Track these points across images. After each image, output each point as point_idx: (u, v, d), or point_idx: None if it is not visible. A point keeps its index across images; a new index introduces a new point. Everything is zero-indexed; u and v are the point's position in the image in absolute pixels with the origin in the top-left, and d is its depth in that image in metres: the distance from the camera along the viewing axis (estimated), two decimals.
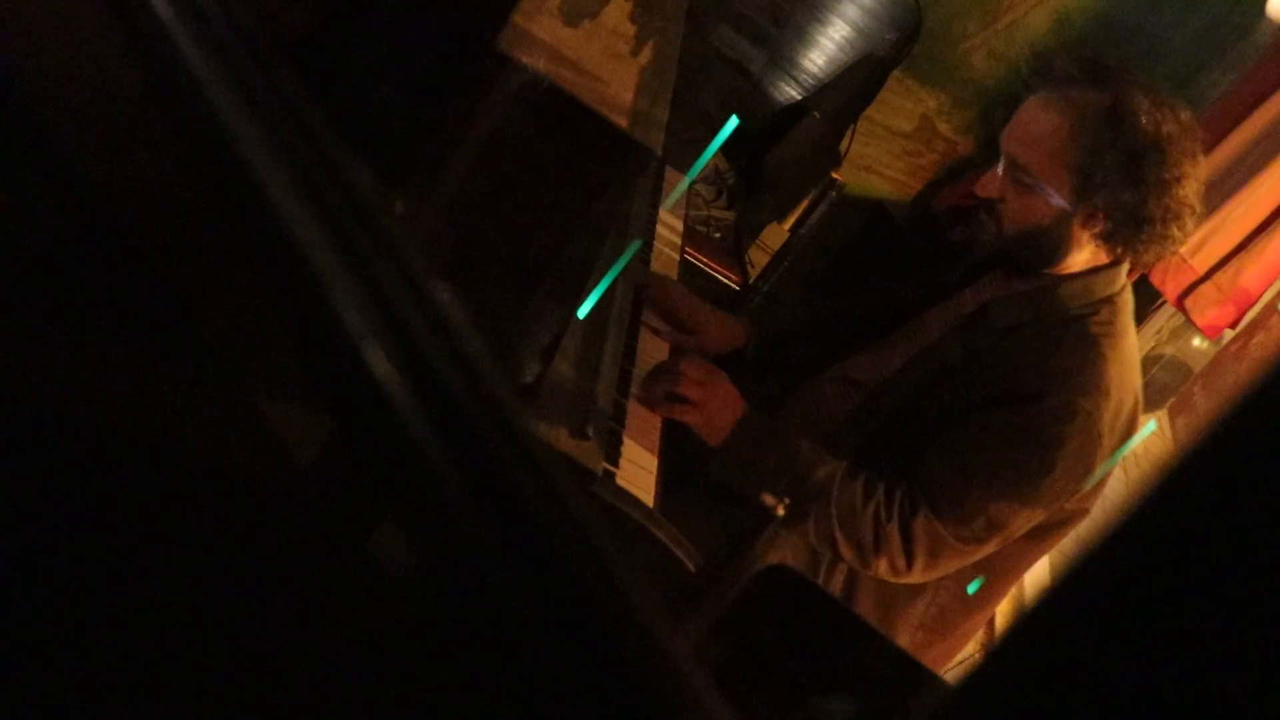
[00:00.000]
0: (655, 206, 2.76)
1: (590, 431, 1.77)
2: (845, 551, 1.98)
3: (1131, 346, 2.04)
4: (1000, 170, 2.07)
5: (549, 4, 1.63)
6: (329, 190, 0.65)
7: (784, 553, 2.09)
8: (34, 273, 1.15)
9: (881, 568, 1.97)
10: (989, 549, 1.99)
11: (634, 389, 2.07)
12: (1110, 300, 2.04)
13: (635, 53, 1.80)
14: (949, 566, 2.01)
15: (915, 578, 2.00)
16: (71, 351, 1.17)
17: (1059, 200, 1.99)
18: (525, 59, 1.45)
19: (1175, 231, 1.99)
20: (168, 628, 1.13)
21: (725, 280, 3.30)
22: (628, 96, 1.62)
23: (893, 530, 1.94)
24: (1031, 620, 0.39)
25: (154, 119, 0.92)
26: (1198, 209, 2.00)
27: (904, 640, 2.11)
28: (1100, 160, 1.95)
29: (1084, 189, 1.97)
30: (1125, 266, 2.08)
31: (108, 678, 1.09)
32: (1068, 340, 1.99)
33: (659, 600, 0.51)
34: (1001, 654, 0.40)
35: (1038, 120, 2.03)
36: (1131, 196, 1.95)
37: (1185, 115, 1.99)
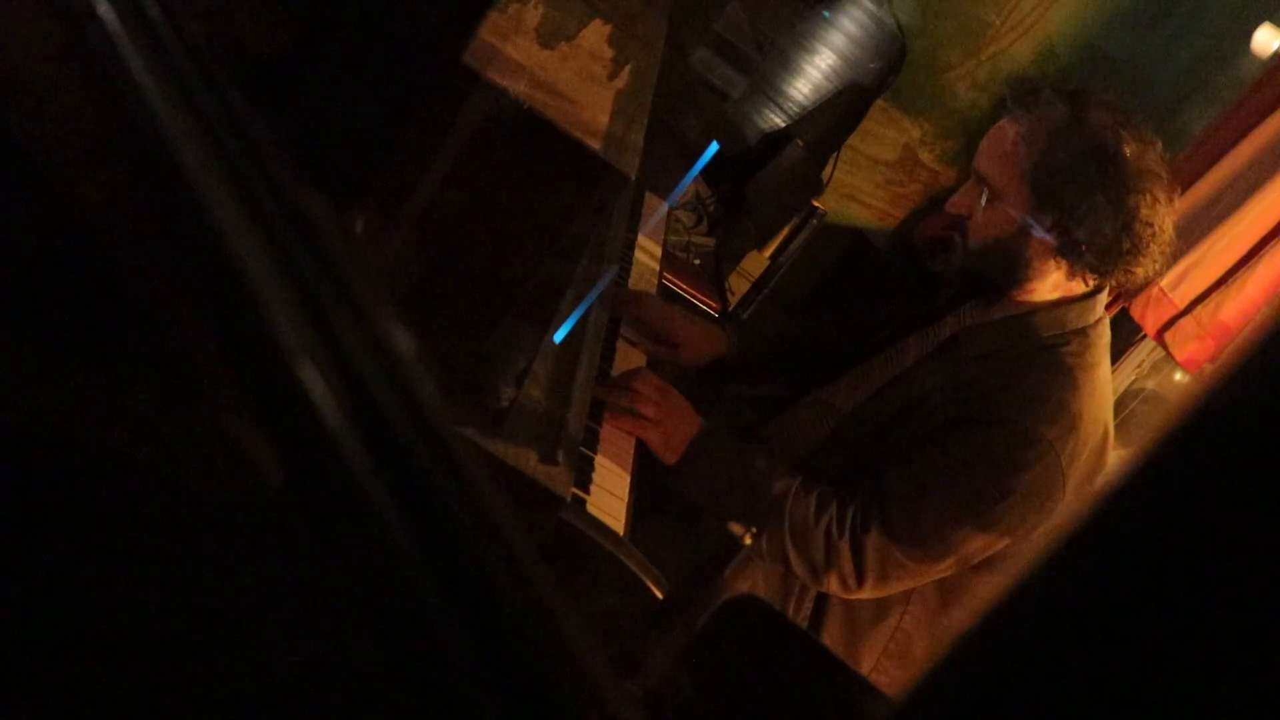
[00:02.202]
0: (633, 231, 2.75)
1: (560, 457, 1.76)
2: (797, 567, 1.96)
3: (1103, 380, 2.03)
4: (968, 187, 2.07)
5: (525, 25, 1.62)
6: (273, 210, 0.64)
7: (753, 580, 2.07)
8: None
9: (833, 584, 1.96)
10: (943, 571, 1.98)
11: (607, 413, 2.05)
12: (1083, 332, 2.03)
13: (612, 76, 1.79)
14: (901, 585, 2.00)
15: (866, 594, 1.99)
16: (29, 366, 1.15)
17: (1018, 212, 1.99)
18: (499, 80, 1.44)
19: (1135, 251, 1.97)
20: (124, 654, 1.10)
21: (704, 307, 3.29)
22: (603, 120, 1.61)
23: (844, 547, 1.92)
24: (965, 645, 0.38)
25: (107, 128, 0.91)
26: (1164, 232, 1.98)
27: (867, 666, 2.10)
28: (1056, 170, 1.95)
29: (1042, 201, 1.97)
30: (1101, 299, 2.07)
31: (67, 699, 1.07)
32: (1035, 368, 1.98)
33: (599, 642, 0.49)
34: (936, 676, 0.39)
35: (999, 134, 2.05)
36: (1089, 210, 1.93)
37: (1149, 137, 1.99)
